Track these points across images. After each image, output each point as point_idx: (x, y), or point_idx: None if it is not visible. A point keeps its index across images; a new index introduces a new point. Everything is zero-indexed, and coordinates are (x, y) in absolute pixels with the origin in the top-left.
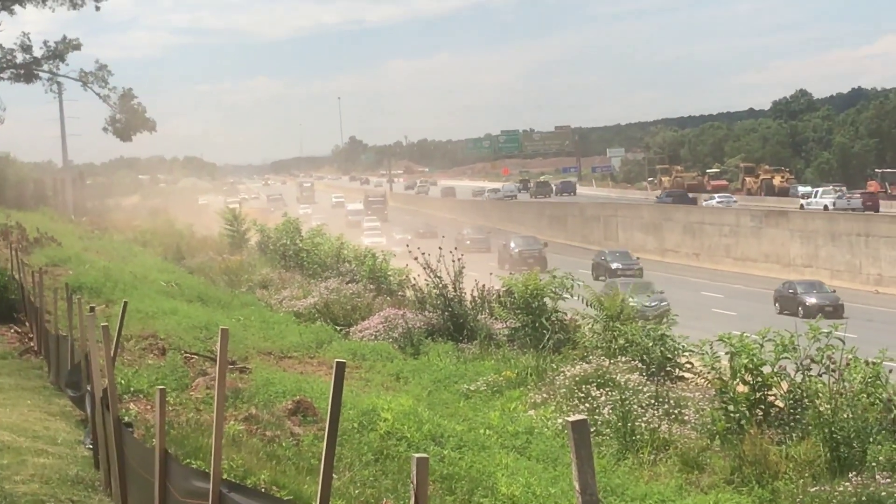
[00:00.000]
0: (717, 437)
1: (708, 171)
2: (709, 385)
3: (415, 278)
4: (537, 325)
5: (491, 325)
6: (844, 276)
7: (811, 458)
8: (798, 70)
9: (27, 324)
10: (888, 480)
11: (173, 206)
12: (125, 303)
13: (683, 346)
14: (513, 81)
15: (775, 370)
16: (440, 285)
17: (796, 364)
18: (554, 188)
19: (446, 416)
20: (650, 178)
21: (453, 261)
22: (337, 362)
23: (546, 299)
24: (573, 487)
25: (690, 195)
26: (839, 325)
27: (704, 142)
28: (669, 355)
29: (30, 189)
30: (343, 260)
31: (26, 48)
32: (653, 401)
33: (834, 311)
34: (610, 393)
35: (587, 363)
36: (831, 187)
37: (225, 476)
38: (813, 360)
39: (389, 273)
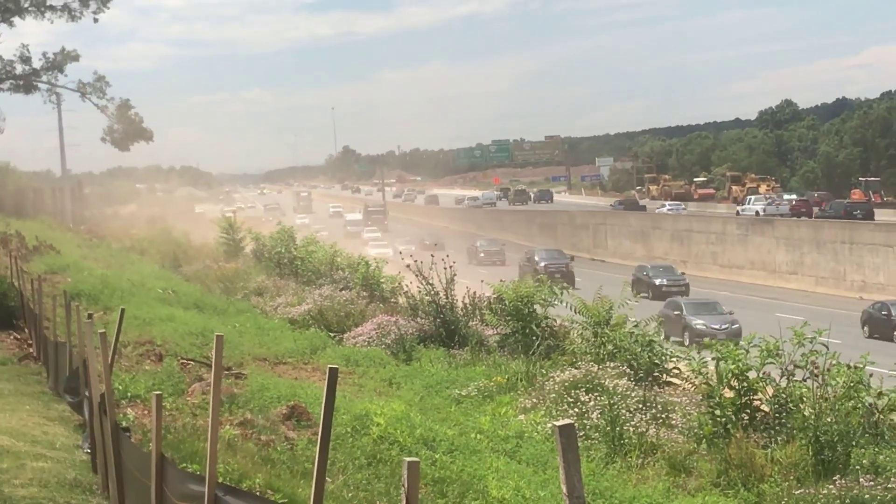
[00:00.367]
0: (704, 440)
1: (695, 179)
2: (695, 390)
3: (407, 286)
4: (527, 331)
5: (482, 331)
6: (829, 283)
7: (796, 461)
8: (784, 80)
9: (26, 330)
10: (871, 483)
11: (170, 215)
12: (122, 310)
13: (671, 352)
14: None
15: (760, 375)
16: (432, 292)
17: (781, 369)
18: (532, 196)
19: (438, 420)
20: (638, 187)
21: (445, 269)
22: (330, 368)
23: (536, 306)
24: (561, 491)
25: (640, 203)
26: (823, 332)
27: (692, 151)
28: (657, 361)
29: (29, 198)
30: (337, 267)
31: (26, 59)
32: (641, 405)
33: None
34: (599, 398)
35: (576, 369)
36: (763, 195)
37: (220, 480)
38: (797, 366)
39: (382, 280)
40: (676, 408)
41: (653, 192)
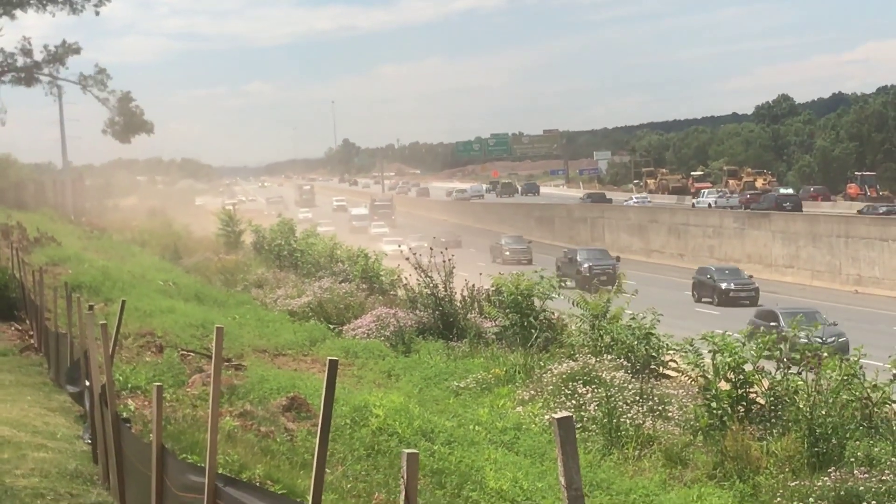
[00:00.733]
0: (700, 433)
1: (692, 173)
2: (692, 382)
3: (406, 278)
4: (526, 323)
5: (480, 323)
6: (825, 277)
7: (791, 453)
8: (780, 76)
9: (27, 321)
10: (866, 476)
11: (171, 207)
12: (123, 301)
13: (667, 345)
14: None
15: (756, 368)
16: (431, 285)
17: (777, 362)
18: (519, 189)
19: (436, 412)
20: (636, 181)
21: (444, 261)
22: (330, 360)
23: (534, 298)
24: (559, 482)
25: (607, 196)
26: (819, 326)
27: (689, 145)
28: (654, 353)
29: (30, 190)
30: (336, 260)
31: (27, 52)
32: (638, 398)
33: None
34: (596, 390)
35: (574, 361)
36: (714, 188)
37: (220, 470)
38: (792, 359)
39: (381, 273)
40: (673, 400)
41: (650, 185)
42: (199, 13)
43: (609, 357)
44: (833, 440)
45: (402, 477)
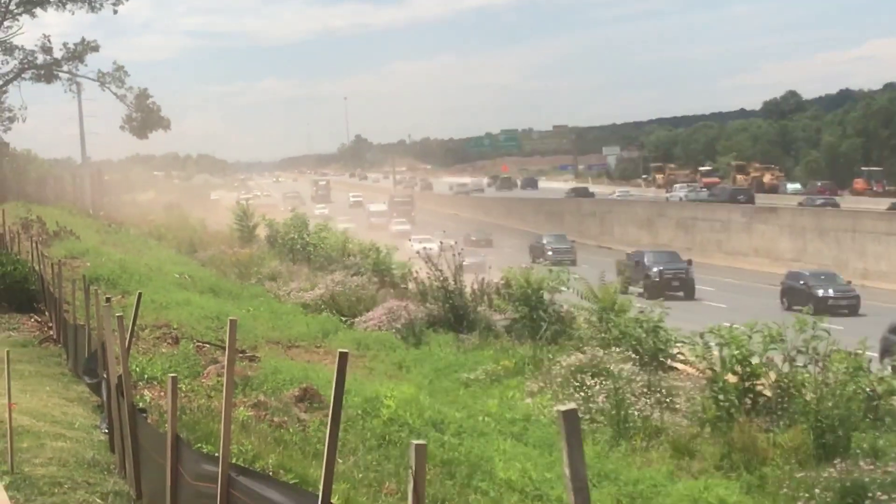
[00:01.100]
0: (708, 424)
1: (700, 168)
2: (699, 375)
3: (416, 271)
4: (535, 316)
5: (490, 316)
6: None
7: (797, 445)
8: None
9: (47, 313)
10: (871, 467)
11: (187, 202)
12: (140, 294)
13: (675, 338)
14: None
15: (763, 361)
16: (441, 278)
17: (783, 355)
18: (518, 183)
19: (447, 403)
20: (644, 176)
21: (453, 255)
22: (340, 352)
23: (543, 291)
24: (563, 474)
25: (590, 189)
26: (825, 318)
27: (697, 140)
28: (662, 346)
29: (50, 184)
30: (348, 254)
31: (47, 50)
32: (645, 390)
33: None
34: (604, 382)
35: (582, 353)
36: (685, 183)
37: (234, 460)
38: (799, 351)
39: (393, 266)
40: (680, 392)
41: (658, 180)
42: (216, 11)
43: (617, 349)
44: (839, 432)
45: (411, 468)
